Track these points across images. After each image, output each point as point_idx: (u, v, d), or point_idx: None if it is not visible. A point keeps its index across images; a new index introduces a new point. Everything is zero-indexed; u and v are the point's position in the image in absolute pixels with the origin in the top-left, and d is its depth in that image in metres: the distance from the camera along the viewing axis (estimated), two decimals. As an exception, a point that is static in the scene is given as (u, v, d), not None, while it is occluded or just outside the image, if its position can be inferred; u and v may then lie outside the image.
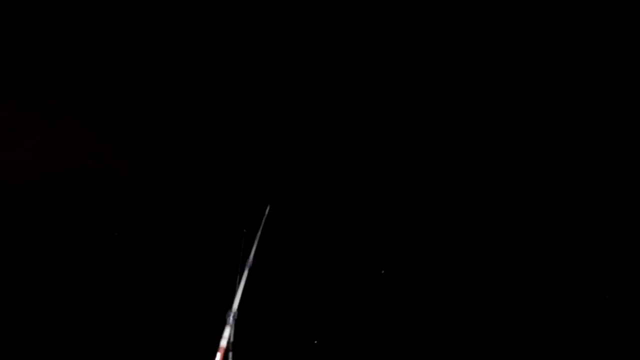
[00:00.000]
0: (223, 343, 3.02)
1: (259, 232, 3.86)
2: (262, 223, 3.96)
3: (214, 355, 2.92)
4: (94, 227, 11.76)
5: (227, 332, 3.06)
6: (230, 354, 3.34)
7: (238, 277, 3.43)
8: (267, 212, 4.02)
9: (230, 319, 3.10)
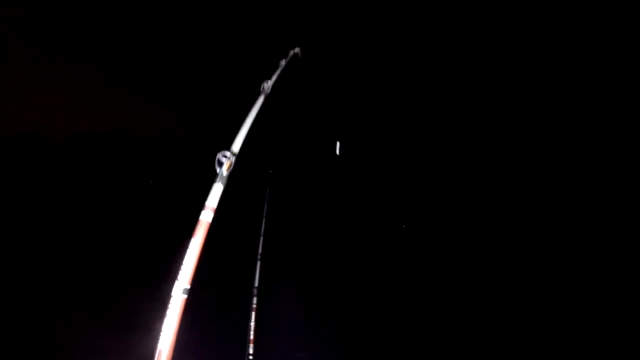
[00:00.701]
0: (206, 217, 1.27)
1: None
2: None
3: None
4: (133, 176, 11.88)
5: (216, 192, 1.31)
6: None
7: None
8: None
9: (223, 168, 1.33)
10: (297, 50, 2.57)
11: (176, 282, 1.21)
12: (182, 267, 1.22)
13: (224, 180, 1.32)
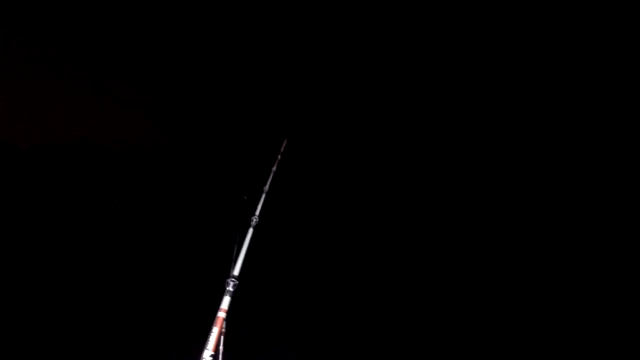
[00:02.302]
0: (221, 314, 2.51)
1: (265, 189, 3.26)
2: (269, 180, 3.36)
3: (209, 327, 2.42)
4: (96, 193, 11.44)
5: (225, 302, 2.54)
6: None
7: (238, 237, 2.90)
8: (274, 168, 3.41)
9: (230, 287, 2.57)
10: (266, 187, 3.67)
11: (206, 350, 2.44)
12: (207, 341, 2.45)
13: (232, 294, 2.57)
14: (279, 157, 3.94)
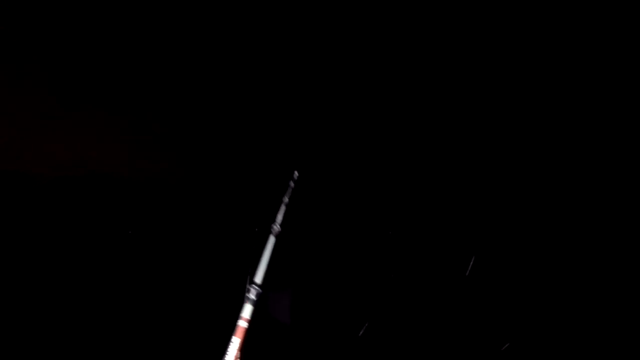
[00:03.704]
0: (242, 323, 2.30)
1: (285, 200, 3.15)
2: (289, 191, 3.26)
3: (229, 338, 2.21)
4: (109, 225, 11.40)
5: (247, 311, 2.35)
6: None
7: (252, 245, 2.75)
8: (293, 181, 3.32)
9: (252, 295, 2.39)
10: (295, 175, 3.61)
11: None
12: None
13: (254, 303, 2.37)
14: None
